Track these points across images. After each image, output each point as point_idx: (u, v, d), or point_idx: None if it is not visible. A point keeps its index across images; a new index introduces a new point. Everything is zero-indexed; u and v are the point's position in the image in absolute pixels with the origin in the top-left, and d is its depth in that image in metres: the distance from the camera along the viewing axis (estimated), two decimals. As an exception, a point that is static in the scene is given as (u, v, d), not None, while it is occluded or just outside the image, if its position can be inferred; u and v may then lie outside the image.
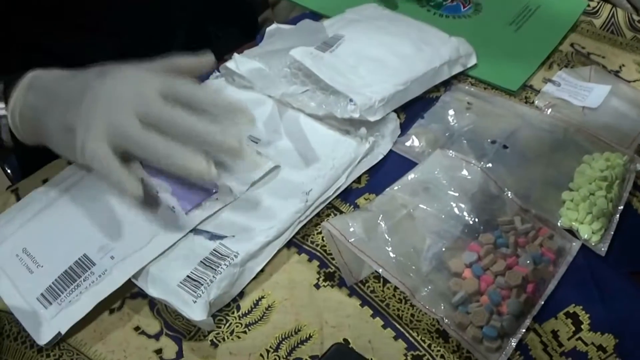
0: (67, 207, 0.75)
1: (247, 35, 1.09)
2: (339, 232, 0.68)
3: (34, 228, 0.73)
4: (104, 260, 0.70)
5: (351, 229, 0.69)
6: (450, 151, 0.81)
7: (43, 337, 0.66)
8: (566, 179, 0.80)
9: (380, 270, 0.67)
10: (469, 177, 0.77)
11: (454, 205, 0.75)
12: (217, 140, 0.68)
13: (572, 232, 0.76)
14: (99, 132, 0.68)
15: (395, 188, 0.76)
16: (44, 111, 0.72)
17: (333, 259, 0.73)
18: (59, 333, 0.66)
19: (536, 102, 0.94)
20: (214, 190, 0.76)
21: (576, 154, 0.83)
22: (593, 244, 0.75)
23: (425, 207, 0.74)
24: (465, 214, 0.74)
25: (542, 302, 0.69)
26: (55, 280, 0.68)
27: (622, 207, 0.79)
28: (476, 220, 0.73)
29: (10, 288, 0.69)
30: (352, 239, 0.68)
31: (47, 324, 0.66)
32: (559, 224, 0.76)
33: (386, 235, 0.70)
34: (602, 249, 0.75)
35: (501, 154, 0.83)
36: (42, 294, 0.68)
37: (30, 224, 0.74)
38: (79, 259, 0.70)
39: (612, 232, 0.76)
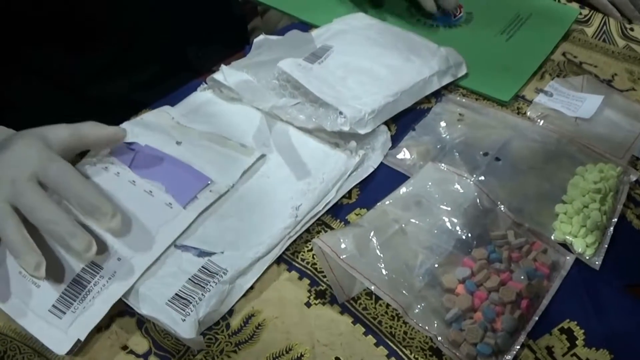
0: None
1: (238, 44, 1.08)
2: (330, 249, 0.67)
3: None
4: (111, 263, 0.69)
5: (342, 246, 0.68)
6: (442, 164, 0.80)
7: (63, 347, 0.65)
8: (559, 192, 0.80)
9: (372, 288, 0.66)
10: (461, 191, 0.76)
11: (446, 219, 0.74)
12: (65, 242, 0.68)
13: (566, 246, 0.75)
14: None
15: (387, 202, 0.75)
16: None
17: (324, 276, 0.72)
18: (79, 340, 0.66)
19: (528, 113, 0.93)
20: (207, 182, 0.76)
21: (569, 166, 0.82)
22: (587, 257, 0.74)
23: (417, 222, 0.73)
24: (457, 228, 0.73)
25: (537, 318, 0.69)
26: (65, 289, 0.68)
27: (616, 220, 0.78)
28: (469, 235, 0.73)
29: (19, 305, 0.68)
30: (344, 256, 0.67)
31: (65, 334, 0.66)
32: (552, 237, 0.76)
33: (378, 252, 0.69)
34: (597, 263, 0.74)
35: (493, 166, 0.83)
36: (53, 305, 0.67)
37: None
38: (85, 265, 0.69)
39: (607, 246, 0.76)
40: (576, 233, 0.75)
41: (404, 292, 0.67)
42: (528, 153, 0.85)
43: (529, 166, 0.83)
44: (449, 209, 0.75)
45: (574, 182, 0.80)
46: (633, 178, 0.83)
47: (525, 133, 0.88)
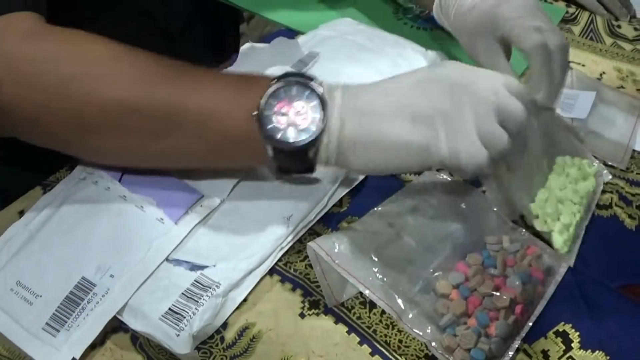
0: (52, 235, 0.74)
1: (229, 51, 1.07)
2: (325, 252, 0.67)
3: (23, 260, 0.72)
4: (104, 280, 0.69)
5: (337, 250, 0.68)
6: (439, 173, 0.80)
7: None
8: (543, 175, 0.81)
9: (366, 292, 0.66)
10: (457, 197, 0.77)
11: (441, 225, 0.74)
12: None
13: (542, 237, 0.76)
14: (472, 130, 0.63)
15: (382, 208, 0.75)
16: (375, 112, 0.66)
17: (317, 286, 0.72)
18: (74, 359, 0.65)
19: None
20: (198, 197, 0.76)
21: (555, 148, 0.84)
22: (563, 253, 0.75)
23: (412, 227, 0.73)
24: (453, 233, 0.73)
25: (531, 324, 0.69)
26: (59, 307, 0.68)
27: (590, 216, 0.79)
28: (464, 240, 0.73)
29: (10, 323, 0.68)
30: (338, 260, 0.67)
31: (59, 352, 0.66)
32: (534, 224, 0.76)
33: (373, 256, 0.69)
34: (571, 259, 0.75)
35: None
36: (47, 323, 0.67)
37: (18, 257, 0.72)
38: (79, 282, 0.69)
39: (580, 242, 0.77)
40: (552, 227, 0.76)
41: (398, 297, 0.67)
42: None
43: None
44: (445, 214, 0.75)
45: (556, 172, 0.81)
46: (607, 178, 0.84)
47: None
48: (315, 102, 0.65)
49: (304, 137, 0.64)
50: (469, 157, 0.63)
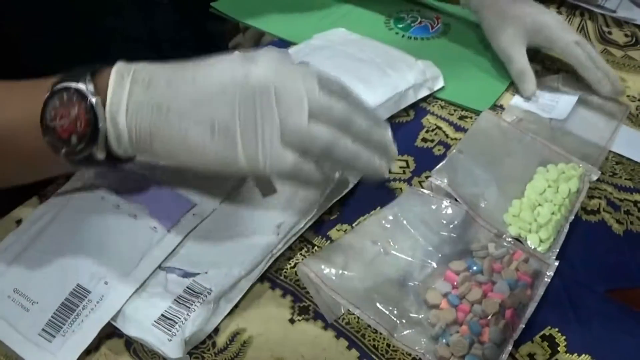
0: (49, 243, 0.75)
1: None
2: (314, 274, 0.68)
3: (20, 268, 0.73)
4: (99, 287, 0.70)
5: (325, 271, 0.69)
6: (421, 189, 0.81)
7: None
8: (521, 189, 0.82)
9: (357, 312, 0.67)
10: (441, 212, 0.77)
11: (427, 238, 0.75)
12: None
13: (520, 240, 0.77)
14: (274, 135, 0.61)
15: (367, 224, 0.76)
16: (175, 110, 0.62)
17: (307, 292, 0.73)
18: None
19: (503, 116, 0.94)
20: (190, 206, 0.77)
21: (531, 164, 0.86)
22: (542, 252, 0.75)
23: (399, 242, 0.74)
24: (439, 245, 0.74)
25: (523, 326, 0.69)
26: (54, 313, 0.68)
27: (572, 217, 0.80)
28: (451, 250, 0.74)
29: (8, 329, 0.69)
30: (328, 281, 0.68)
31: (55, 357, 0.66)
32: (507, 231, 0.77)
33: (361, 274, 0.70)
34: (552, 258, 0.75)
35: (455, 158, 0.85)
36: (43, 329, 0.68)
37: (15, 265, 0.73)
38: (74, 289, 0.70)
39: (562, 242, 0.77)
40: (528, 228, 0.77)
41: (388, 313, 0.68)
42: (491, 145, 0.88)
43: (490, 159, 0.86)
44: (430, 229, 0.76)
45: (534, 180, 0.83)
46: (594, 177, 0.85)
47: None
48: (85, 105, 0.62)
49: (82, 146, 0.63)
50: (270, 164, 0.61)
